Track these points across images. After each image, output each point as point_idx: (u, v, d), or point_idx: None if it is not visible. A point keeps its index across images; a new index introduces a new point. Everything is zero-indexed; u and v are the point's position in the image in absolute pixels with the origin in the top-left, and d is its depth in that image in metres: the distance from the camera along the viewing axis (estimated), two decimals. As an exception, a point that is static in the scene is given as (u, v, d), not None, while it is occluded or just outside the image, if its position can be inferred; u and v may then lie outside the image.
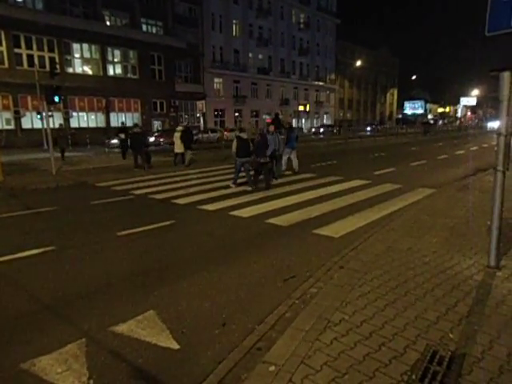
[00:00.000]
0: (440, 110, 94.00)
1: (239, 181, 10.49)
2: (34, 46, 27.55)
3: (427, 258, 4.66)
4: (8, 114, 27.17)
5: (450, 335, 3.00)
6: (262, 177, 10.22)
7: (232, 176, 10.67)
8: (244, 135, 10.44)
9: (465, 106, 75.96)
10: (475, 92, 71.00)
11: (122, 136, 17.24)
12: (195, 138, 25.84)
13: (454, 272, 4.20)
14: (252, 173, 10.46)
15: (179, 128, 15.48)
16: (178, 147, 14.81)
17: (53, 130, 14.37)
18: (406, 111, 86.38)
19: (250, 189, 9.94)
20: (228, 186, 10.31)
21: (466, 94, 72.33)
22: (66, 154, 17.86)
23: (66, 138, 17.75)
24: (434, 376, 2.48)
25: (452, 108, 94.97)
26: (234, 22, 43.41)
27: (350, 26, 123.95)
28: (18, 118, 27.23)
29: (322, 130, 46.06)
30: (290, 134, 13.11)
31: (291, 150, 13.01)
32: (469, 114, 73.67)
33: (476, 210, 6.88)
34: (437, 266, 4.38)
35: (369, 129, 49.48)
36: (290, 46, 51.85)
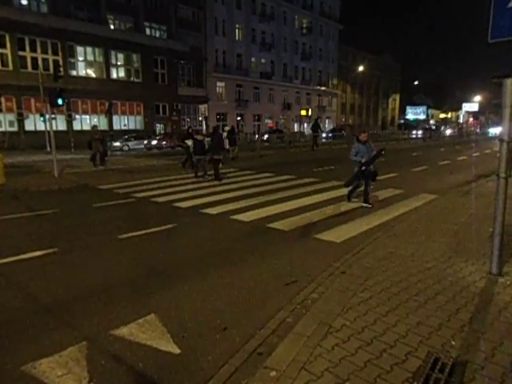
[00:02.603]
0: (442, 115, 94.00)
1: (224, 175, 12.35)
2: (39, 49, 27.74)
3: (429, 263, 4.65)
4: (11, 116, 27.32)
5: (452, 342, 2.98)
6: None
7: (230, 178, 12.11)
8: (199, 137, 12.52)
9: (467, 112, 76.00)
10: (477, 98, 71.01)
11: (189, 143, 15.58)
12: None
13: (456, 278, 4.19)
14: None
15: (226, 128, 19.46)
16: (226, 144, 17.78)
17: (86, 132, 14.68)
18: (407, 116, 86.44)
19: (206, 180, 12.07)
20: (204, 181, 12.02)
21: (468, 100, 72.38)
22: (67, 156, 17.82)
23: (99, 140, 16.42)
24: (435, 383, 2.47)
25: (454, 114, 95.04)
26: (237, 26, 43.65)
27: (352, 32, 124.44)
28: (21, 120, 27.36)
29: (266, 136, 35.85)
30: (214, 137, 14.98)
31: None
32: (471, 119, 73.64)
33: (478, 216, 6.86)
34: (439, 273, 4.36)
35: (330, 135, 40.30)
36: (293, 50, 52.04)
